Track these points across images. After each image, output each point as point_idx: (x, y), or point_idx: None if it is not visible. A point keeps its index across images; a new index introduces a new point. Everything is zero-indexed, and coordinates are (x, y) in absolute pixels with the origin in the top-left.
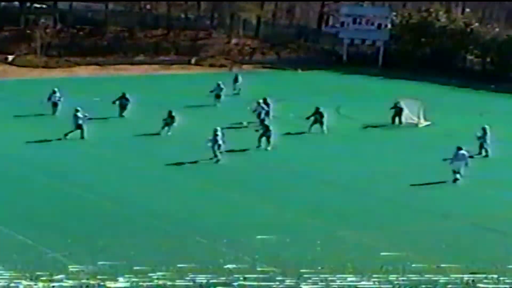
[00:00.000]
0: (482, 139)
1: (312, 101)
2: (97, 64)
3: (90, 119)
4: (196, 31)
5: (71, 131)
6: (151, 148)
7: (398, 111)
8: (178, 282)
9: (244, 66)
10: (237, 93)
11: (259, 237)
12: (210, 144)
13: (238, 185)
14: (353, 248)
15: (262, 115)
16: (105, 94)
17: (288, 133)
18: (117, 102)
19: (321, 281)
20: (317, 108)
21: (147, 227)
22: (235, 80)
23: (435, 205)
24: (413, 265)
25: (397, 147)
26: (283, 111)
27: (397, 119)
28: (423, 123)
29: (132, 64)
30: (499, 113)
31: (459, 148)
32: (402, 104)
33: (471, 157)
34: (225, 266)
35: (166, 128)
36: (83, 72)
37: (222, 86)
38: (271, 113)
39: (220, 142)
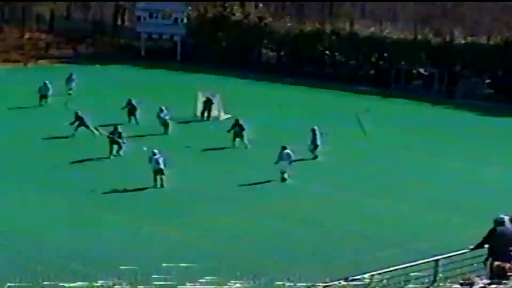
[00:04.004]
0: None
1: (116, 96)
2: None
3: None
4: None
5: None
6: None
7: (209, 106)
8: None
9: (40, 61)
10: (70, 93)
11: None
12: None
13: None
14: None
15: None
16: None
17: None
18: None
19: None
20: (237, 120)
21: None
22: (68, 79)
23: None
24: None
25: (201, 141)
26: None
27: (206, 114)
28: (223, 116)
29: None
30: (298, 105)
31: (284, 148)
32: (213, 98)
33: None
34: None
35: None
36: None
37: (48, 85)
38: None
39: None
